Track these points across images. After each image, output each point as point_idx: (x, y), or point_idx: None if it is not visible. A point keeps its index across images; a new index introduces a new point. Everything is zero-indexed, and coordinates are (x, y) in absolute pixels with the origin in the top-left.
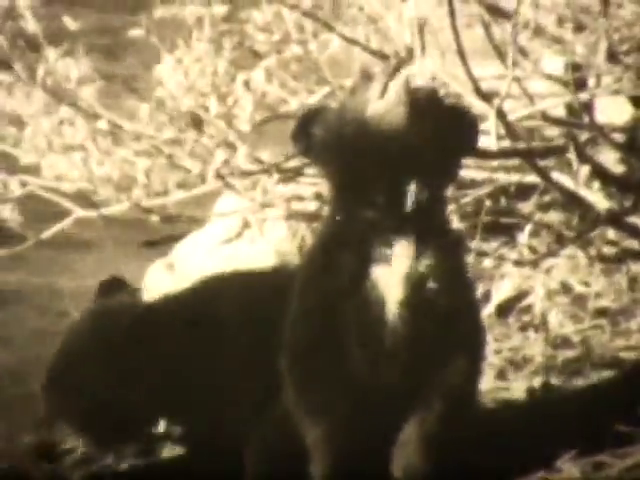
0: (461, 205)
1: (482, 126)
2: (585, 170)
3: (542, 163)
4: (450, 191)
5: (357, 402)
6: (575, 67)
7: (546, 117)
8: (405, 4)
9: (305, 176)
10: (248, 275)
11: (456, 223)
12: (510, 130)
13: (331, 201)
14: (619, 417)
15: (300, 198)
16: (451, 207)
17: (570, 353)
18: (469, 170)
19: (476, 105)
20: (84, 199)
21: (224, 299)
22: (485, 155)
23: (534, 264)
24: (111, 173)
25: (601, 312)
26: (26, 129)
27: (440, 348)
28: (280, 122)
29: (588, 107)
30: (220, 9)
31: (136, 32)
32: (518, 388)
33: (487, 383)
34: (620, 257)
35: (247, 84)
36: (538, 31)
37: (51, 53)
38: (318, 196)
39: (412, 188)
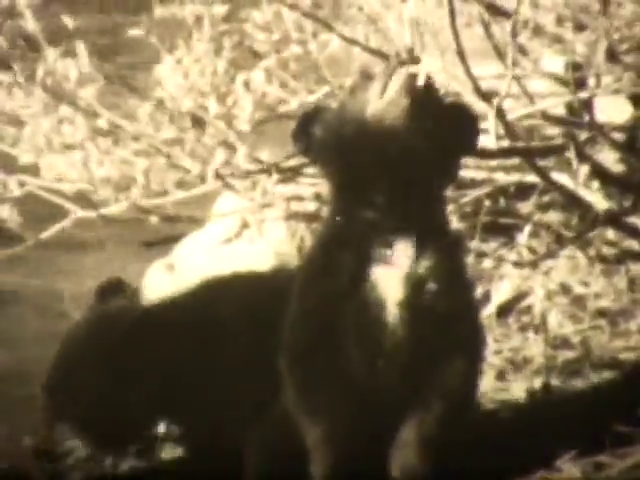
0: (460, 205)
1: (482, 125)
2: (584, 170)
3: (541, 163)
4: (449, 191)
5: (356, 402)
6: (575, 66)
7: (546, 116)
8: (405, 4)
9: (304, 176)
10: (247, 277)
11: (455, 223)
12: (509, 130)
13: (331, 201)
14: (619, 417)
15: (299, 198)
16: (450, 207)
17: (570, 354)
18: (468, 170)
19: (476, 104)
20: (83, 199)
21: (223, 301)
22: (484, 155)
23: (533, 265)
24: (110, 173)
25: (601, 313)
26: (25, 129)
27: (439, 349)
28: (280, 122)
29: (588, 106)
30: (220, 9)
31: (135, 32)
32: (518, 388)
33: (487, 384)
34: (619, 258)
35: (247, 84)
36: (538, 30)
37: (50, 53)
38: (317, 196)
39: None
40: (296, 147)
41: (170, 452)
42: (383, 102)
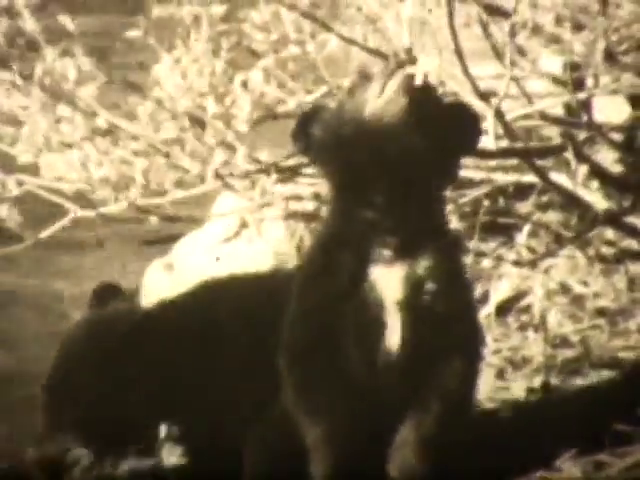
0: (459, 205)
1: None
2: (583, 170)
3: (540, 163)
4: (448, 191)
5: (356, 402)
6: (573, 66)
7: (544, 116)
8: (403, 4)
9: (304, 176)
10: (246, 278)
11: (454, 223)
12: (508, 130)
13: (330, 201)
14: (619, 417)
15: (298, 198)
16: (449, 207)
17: (569, 353)
18: (467, 170)
19: (474, 105)
20: (82, 199)
21: (222, 302)
22: (483, 155)
23: (533, 264)
24: (109, 173)
25: (600, 312)
26: (23, 128)
27: (438, 349)
28: (278, 122)
29: (586, 106)
30: (218, 9)
31: (134, 32)
32: (517, 388)
33: (486, 383)
34: (619, 257)
35: (245, 84)
36: (536, 30)
37: (49, 52)
38: (316, 196)
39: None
40: (295, 147)
41: (170, 452)
42: (382, 102)
